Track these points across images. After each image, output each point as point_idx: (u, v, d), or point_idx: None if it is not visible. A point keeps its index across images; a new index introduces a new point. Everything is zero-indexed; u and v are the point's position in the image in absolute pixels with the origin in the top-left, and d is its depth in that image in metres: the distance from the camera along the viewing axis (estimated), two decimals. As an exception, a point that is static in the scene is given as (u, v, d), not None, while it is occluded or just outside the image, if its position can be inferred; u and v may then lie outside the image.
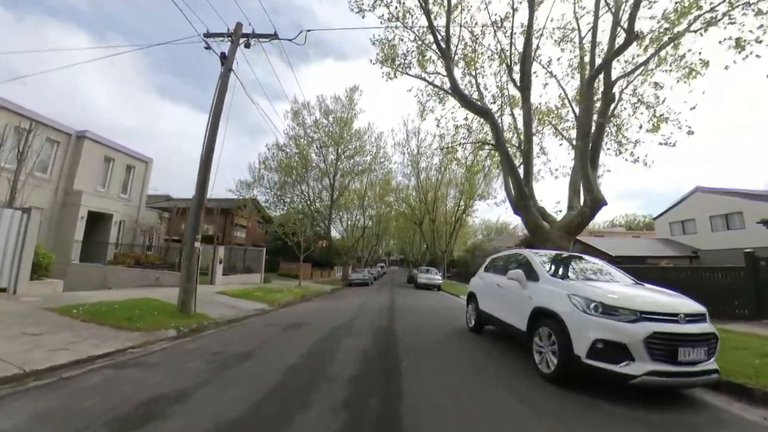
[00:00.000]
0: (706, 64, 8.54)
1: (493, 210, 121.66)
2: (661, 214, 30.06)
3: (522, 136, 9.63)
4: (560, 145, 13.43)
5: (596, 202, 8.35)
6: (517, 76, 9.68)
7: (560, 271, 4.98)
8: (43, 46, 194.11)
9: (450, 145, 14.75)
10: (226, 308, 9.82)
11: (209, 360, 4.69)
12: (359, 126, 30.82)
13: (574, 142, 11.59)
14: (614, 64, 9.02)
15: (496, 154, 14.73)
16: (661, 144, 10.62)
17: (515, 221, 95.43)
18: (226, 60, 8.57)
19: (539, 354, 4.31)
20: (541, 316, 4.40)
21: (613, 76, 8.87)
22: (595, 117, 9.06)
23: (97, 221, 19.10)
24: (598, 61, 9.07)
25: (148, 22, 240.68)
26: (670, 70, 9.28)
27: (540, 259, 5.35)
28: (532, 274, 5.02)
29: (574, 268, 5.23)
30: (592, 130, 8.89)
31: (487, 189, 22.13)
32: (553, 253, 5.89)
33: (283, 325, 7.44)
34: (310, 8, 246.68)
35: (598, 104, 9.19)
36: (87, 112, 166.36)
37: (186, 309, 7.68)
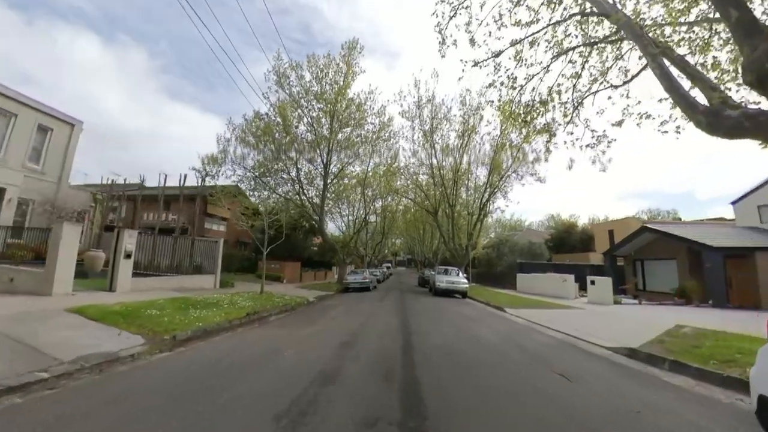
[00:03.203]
0: None
1: (528, 194, 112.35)
2: (744, 197, 23.28)
3: None
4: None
5: None
6: None
7: None
8: (52, 48, 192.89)
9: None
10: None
11: None
12: (358, 90, 24.91)
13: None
14: None
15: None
16: None
17: (532, 218, 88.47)
18: None
19: None
20: None
21: None
22: None
23: (-21, 198, 13.38)
24: None
25: (154, 21, 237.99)
26: None
27: None
28: None
29: None
30: None
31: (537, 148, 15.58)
32: None
33: None
34: (318, 7, 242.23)
35: None
36: (98, 115, 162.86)
37: None
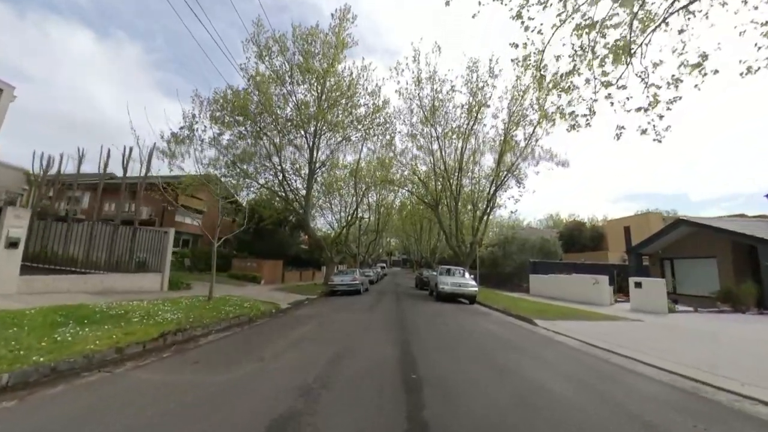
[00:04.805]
0: None
1: (525, 194, 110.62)
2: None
3: None
4: None
5: None
6: None
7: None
8: (45, 43, 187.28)
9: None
10: None
11: None
12: (350, 64, 22.01)
13: None
14: None
15: None
16: None
17: (530, 217, 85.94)
18: None
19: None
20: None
21: None
22: None
23: None
24: None
25: (149, 16, 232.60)
26: None
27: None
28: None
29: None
30: None
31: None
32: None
33: None
34: (317, 5, 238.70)
35: None
36: (96, 112, 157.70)
37: None
